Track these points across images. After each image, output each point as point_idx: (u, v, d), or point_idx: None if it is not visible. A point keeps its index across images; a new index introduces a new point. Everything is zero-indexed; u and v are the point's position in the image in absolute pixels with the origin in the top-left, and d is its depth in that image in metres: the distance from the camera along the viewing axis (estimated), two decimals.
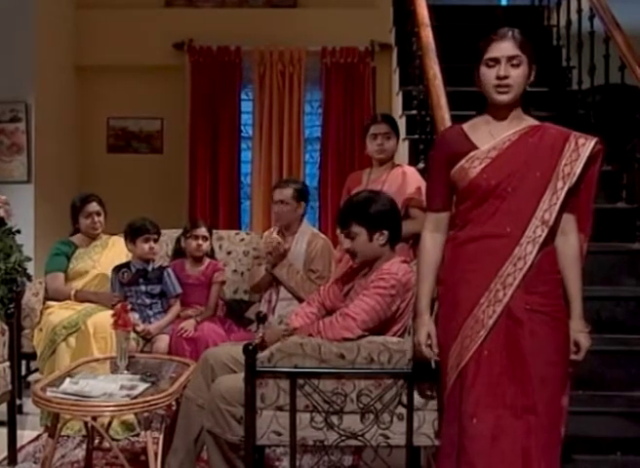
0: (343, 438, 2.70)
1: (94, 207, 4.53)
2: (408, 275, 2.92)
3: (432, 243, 2.55)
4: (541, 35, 5.39)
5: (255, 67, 6.62)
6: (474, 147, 2.49)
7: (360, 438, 2.69)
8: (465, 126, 2.59)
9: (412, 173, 4.01)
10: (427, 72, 3.73)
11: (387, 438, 2.70)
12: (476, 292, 2.40)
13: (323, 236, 4.41)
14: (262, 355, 2.71)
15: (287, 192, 4.24)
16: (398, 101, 5.17)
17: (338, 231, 4.04)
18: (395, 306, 2.89)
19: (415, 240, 3.89)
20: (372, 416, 2.68)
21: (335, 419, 2.69)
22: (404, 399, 2.67)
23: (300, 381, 2.67)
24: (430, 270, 2.54)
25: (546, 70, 5.00)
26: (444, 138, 2.69)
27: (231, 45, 6.60)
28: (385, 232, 3.00)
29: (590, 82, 4.48)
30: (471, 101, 4.44)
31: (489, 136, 2.51)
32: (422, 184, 3.89)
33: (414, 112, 4.24)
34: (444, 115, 3.45)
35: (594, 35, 4.47)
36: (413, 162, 4.26)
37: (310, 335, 2.83)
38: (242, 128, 6.80)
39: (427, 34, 3.98)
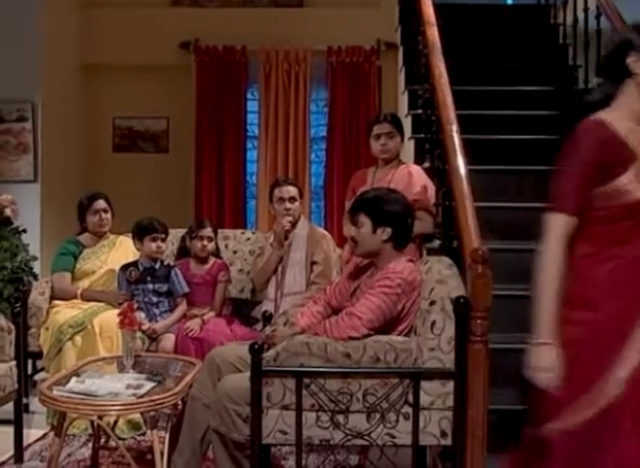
0: (349, 437, 2.69)
1: (101, 204, 4.53)
2: (414, 274, 2.93)
3: (561, 251, 2.26)
4: (547, 34, 5.38)
5: (260, 67, 6.62)
6: (633, 156, 2.25)
7: (366, 437, 2.69)
8: (613, 124, 2.29)
9: (417, 172, 4.01)
10: (433, 71, 3.72)
11: (393, 437, 2.69)
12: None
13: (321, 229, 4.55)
14: (268, 354, 2.71)
15: (293, 190, 4.31)
16: (404, 100, 5.16)
17: (345, 230, 4.08)
18: (401, 305, 2.88)
19: (421, 240, 3.91)
20: (378, 416, 2.68)
21: (341, 419, 2.68)
22: (410, 398, 2.67)
23: (306, 380, 2.67)
24: (558, 284, 2.26)
25: (552, 69, 5.00)
26: (599, 139, 2.28)
27: (237, 44, 6.60)
28: (389, 229, 3.01)
29: (597, 81, 4.46)
30: (477, 100, 4.47)
31: None
32: (428, 183, 3.90)
33: (419, 111, 4.23)
34: (450, 114, 3.44)
35: (601, 33, 4.45)
36: (419, 161, 4.26)
37: (316, 334, 2.84)
38: (248, 127, 6.80)
39: (433, 33, 3.97)
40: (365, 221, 3.04)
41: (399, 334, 2.89)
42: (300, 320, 3.25)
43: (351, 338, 2.77)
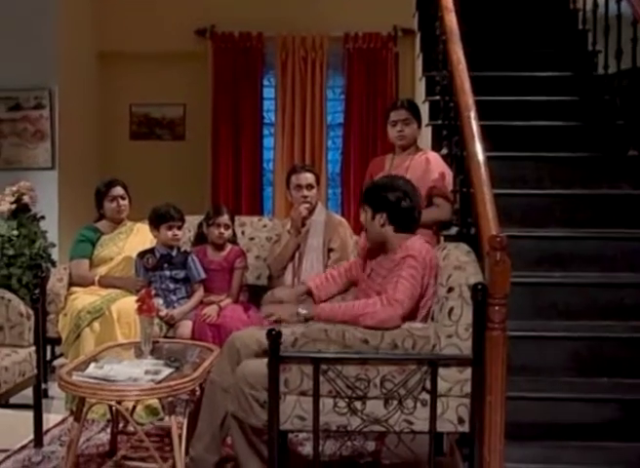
0: (367, 423, 2.70)
1: (118, 191, 4.55)
2: (430, 253, 2.98)
3: None
4: (567, 19, 5.32)
5: (277, 53, 6.61)
6: None
7: (383, 424, 2.69)
8: None
9: (435, 158, 3.99)
10: (451, 57, 3.69)
11: (411, 424, 2.69)
12: None
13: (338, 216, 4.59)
14: (287, 340, 2.71)
15: (311, 177, 4.31)
16: (421, 87, 5.12)
17: (362, 217, 4.08)
18: (425, 281, 2.92)
19: (439, 227, 3.90)
20: (395, 402, 2.68)
21: (358, 405, 2.68)
22: (428, 385, 2.67)
23: (324, 367, 2.67)
24: None
25: (571, 55, 4.95)
26: None
27: (253, 31, 6.59)
28: (384, 214, 3.08)
29: (617, 66, 4.41)
30: (495, 86, 4.44)
31: None
32: (446, 170, 3.88)
33: (437, 98, 4.20)
34: (468, 100, 3.41)
35: (621, 18, 4.40)
36: (436, 147, 4.23)
37: (344, 321, 2.83)
38: (264, 114, 6.79)
39: (451, 19, 3.93)
40: (367, 209, 3.15)
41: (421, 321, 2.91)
42: (309, 280, 3.40)
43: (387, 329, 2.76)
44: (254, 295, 4.57)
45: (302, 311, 2.99)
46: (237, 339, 3.24)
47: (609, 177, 4.02)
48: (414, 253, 2.93)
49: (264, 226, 4.94)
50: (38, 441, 3.60)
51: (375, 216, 3.10)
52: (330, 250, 4.25)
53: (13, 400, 3.70)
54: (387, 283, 2.92)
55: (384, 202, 3.09)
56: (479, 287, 2.61)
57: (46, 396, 4.11)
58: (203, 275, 4.36)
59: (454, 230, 3.68)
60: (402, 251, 2.97)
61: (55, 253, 5.08)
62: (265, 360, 2.73)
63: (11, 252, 4.75)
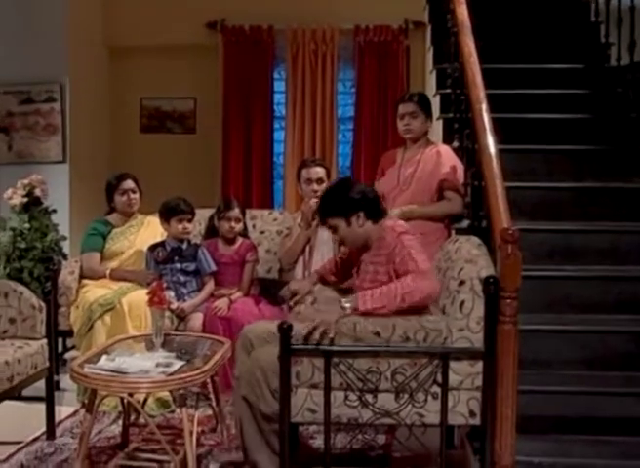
0: (378, 416, 2.70)
1: (129, 184, 4.56)
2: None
3: None
4: (579, 11, 5.28)
5: (287, 46, 6.59)
6: None
7: (394, 416, 2.69)
8: None
9: (446, 152, 3.98)
10: (463, 49, 3.67)
11: (422, 416, 2.69)
12: None
13: None
14: (298, 334, 2.71)
15: (321, 170, 4.32)
16: (432, 80, 5.10)
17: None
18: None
19: (450, 220, 3.89)
20: (406, 395, 2.68)
21: (369, 398, 2.69)
22: (439, 378, 2.67)
23: (335, 359, 2.67)
24: None
25: (584, 47, 4.92)
26: None
27: (264, 24, 6.57)
28: (361, 213, 3.08)
29: (630, 58, 4.39)
30: (507, 79, 4.42)
31: None
32: (457, 163, 3.87)
33: (448, 90, 4.19)
34: (479, 93, 3.39)
35: (635, 10, 4.37)
36: (447, 140, 4.22)
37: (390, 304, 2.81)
38: (275, 107, 6.78)
39: (463, 11, 3.91)
40: (337, 221, 3.11)
41: None
42: (319, 268, 3.54)
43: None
44: (264, 289, 4.57)
45: (347, 304, 2.86)
46: (248, 331, 3.26)
47: (621, 171, 4.00)
48: (402, 229, 3.02)
49: (275, 220, 4.95)
50: (50, 433, 3.61)
51: (350, 222, 3.09)
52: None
53: (25, 392, 3.72)
54: (401, 265, 2.92)
55: (354, 203, 3.10)
56: (490, 280, 2.61)
57: (58, 388, 4.13)
58: (213, 267, 4.37)
59: (465, 223, 3.67)
60: (389, 233, 3.02)
61: (66, 246, 5.11)
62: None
63: (23, 245, 4.78)
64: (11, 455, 3.38)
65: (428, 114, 4.05)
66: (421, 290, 2.79)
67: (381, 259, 3.05)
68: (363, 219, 3.09)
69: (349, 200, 3.10)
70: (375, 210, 3.13)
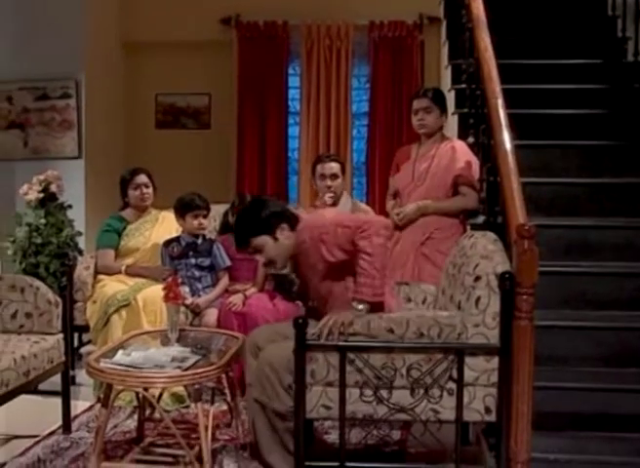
0: (393, 412, 2.69)
1: (142, 179, 4.57)
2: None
3: None
4: (596, 5, 5.25)
5: (302, 42, 6.59)
6: None
7: (410, 412, 2.69)
8: None
9: (461, 147, 3.97)
10: (478, 44, 3.65)
11: (437, 412, 2.69)
12: None
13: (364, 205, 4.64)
14: (312, 331, 2.71)
15: (336, 166, 4.31)
16: (447, 75, 5.08)
17: (388, 206, 4.07)
18: None
19: (465, 215, 3.88)
20: (422, 391, 2.67)
21: (384, 394, 2.68)
22: (454, 374, 2.66)
23: (351, 356, 2.67)
24: None
25: (600, 42, 4.88)
26: None
27: (278, 19, 6.57)
28: (284, 225, 3.09)
29: None
30: (522, 74, 4.39)
31: None
32: (472, 158, 3.86)
33: (463, 86, 4.17)
34: (495, 88, 3.38)
35: None
36: (462, 136, 4.20)
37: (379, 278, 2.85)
38: (289, 103, 6.78)
39: (478, 6, 3.90)
40: (262, 241, 3.08)
41: None
42: None
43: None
44: (279, 284, 4.57)
45: (359, 306, 2.86)
46: (255, 335, 3.27)
47: (638, 166, 3.96)
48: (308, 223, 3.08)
49: None
50: (66, 427, 3.63)
51: (276, 237, 3.08)
52: None
53: (41, 386, 3.74)
54: (343, 237, 2.95)
55: (274, 218, 3.09)
56: (506, 276, 2.60)
57: (74, 383, 4.15)
58: (228, 262, 4.38)
59: (480, 219, 3.65)
60: (304, 233, 3.05)
61: (81, 242, 5.13)
62: (289, 344, 2.73)
63: (39, 240, 4.81)
64: (27, 449, 3.40)
65: (443, 109, 4.03)
66: (374, 233, 2.86)
67: (314, 258, 3.04)
68: (287, 231, 3.09)
69: (271, 214, 3.09)
70: (293, 219, 3.13)
